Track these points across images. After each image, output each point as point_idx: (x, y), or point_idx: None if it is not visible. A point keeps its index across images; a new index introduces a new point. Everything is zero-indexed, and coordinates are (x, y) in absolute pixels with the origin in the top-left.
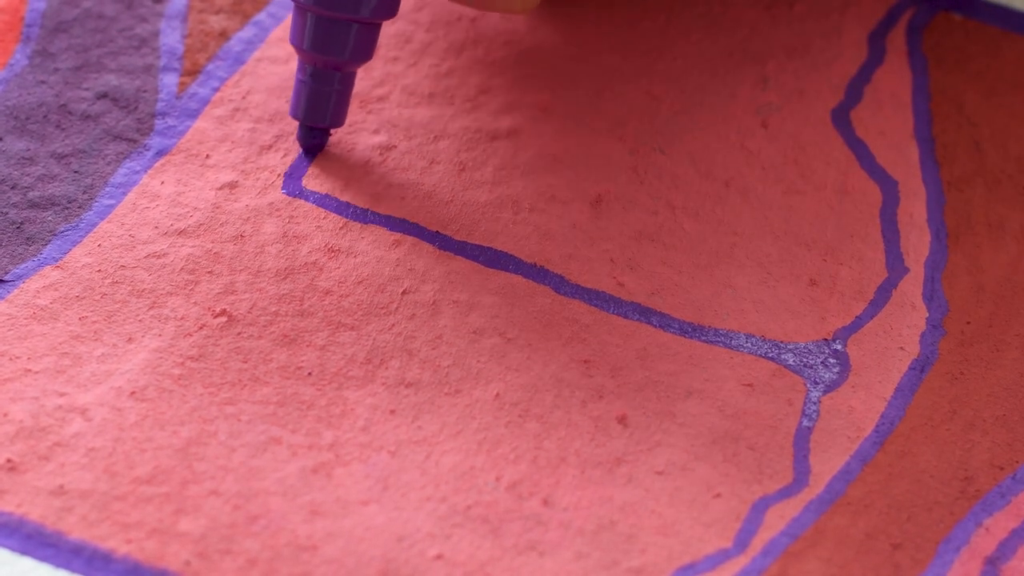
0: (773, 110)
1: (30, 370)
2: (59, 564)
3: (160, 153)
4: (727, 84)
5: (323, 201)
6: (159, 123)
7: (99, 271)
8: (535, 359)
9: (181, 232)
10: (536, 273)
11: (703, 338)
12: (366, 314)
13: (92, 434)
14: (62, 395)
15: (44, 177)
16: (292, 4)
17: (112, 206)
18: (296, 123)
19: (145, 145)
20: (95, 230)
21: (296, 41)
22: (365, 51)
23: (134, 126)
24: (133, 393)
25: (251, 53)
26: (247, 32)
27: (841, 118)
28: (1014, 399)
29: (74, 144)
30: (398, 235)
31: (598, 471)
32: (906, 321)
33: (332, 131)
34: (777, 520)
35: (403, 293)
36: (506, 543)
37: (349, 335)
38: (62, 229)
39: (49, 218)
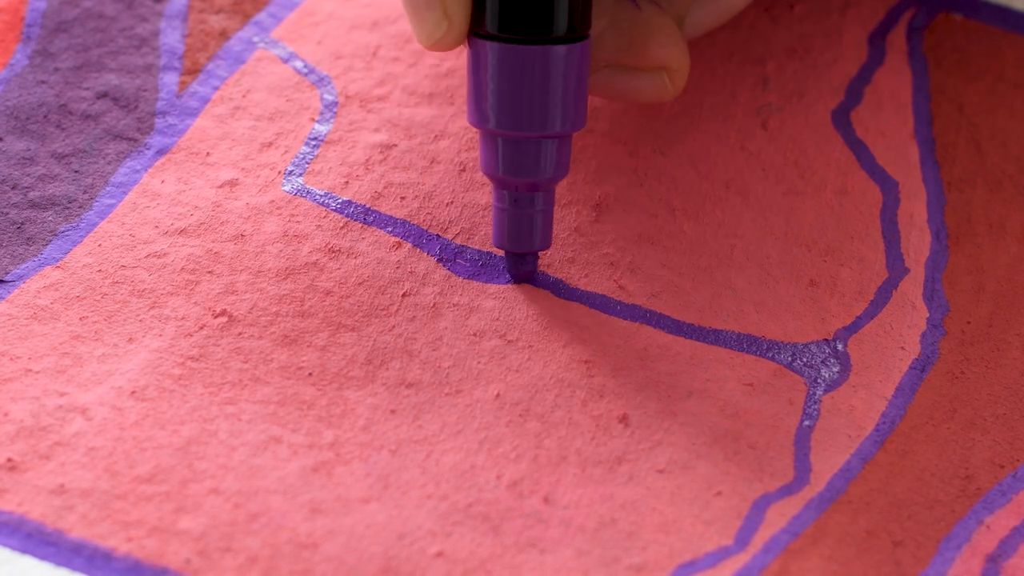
0: (773, 111)
1: (31, 370)
2: (60, 563)
3: (160, 152)
4: (727, 85)
5: (324, 199)
6: (159, 122)
7: (99, 271)
8: (535, 360)
9: (181, 231)
10: (536, 278)
11: (703, 339)
12: (367, 315)
13: (93, 433)
14: (63, 395)
15: (44, 177)
16: (480, 133)
17: (112, 205)
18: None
19: (145, 144)
20: (95, 230)
21: (490, 170)
22: (562, 165)
23: (134, 125)
24: (133, 393)
25: (251, 52)
26: (247, 31)
27: (841, 119)
28: (1014, 398)
29: (74, 144)
30: (398, 238)
31: (599, 470)
32: (907, 321)
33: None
34: (778, 518)
35: (404, 295)
36: (507, 541)
37: (350, 336)
38: (62, 229)
39: (49, 218)
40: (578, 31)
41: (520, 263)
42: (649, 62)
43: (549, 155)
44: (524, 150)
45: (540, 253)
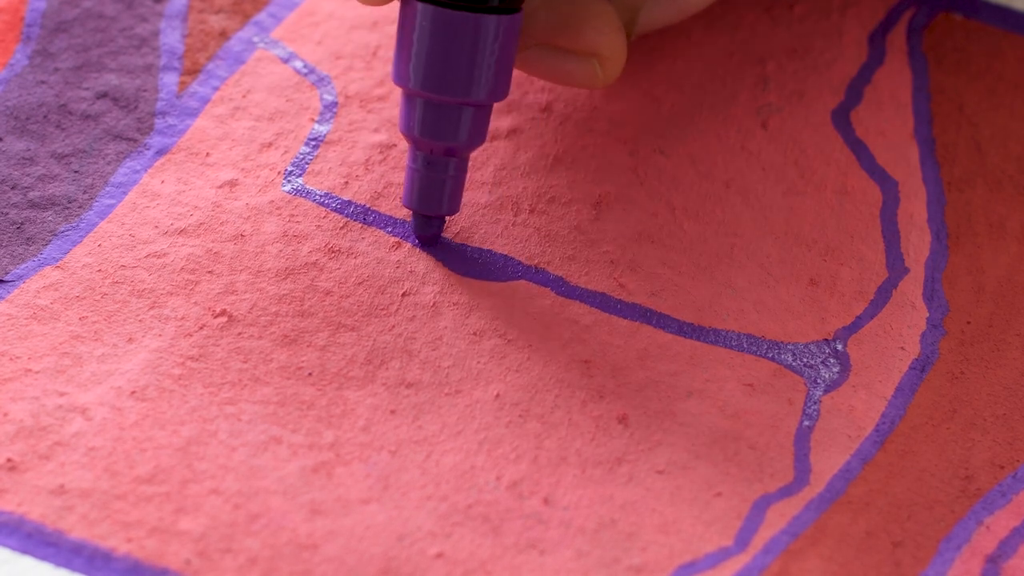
0: (773, 111)
1: (30, 370)
2: (59, 563)
3: (160, 152)
4: (727, 85)
5: (324, 199)
6: (159, 122)
7: (99, 271)
8: (535, 360)
9: (181, 231)
10: (536, 275)
11: (703, 338)
12: (366, 315)
13: (92, 433)
14: (62, 395)
15: (44, 177)
16: (401, 93)
17: (112, 206)
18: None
19: (145, 144)
20: (95, 230)
21: (406, 129)
22: (479, 134)
23: (134, 125)
24: (133, 393)
25: (251, 52)
26: (247, 31)
27: (841, 119)
28: (1014, 398)
29: (74, 144)
30: (398, 238)
31: (599, 470)
32: (906, 321)
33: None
34: (778, 518)
35: (403, 295)
36: (506, 541)
37: (349, 336)
38: (62, 229)
39: (49, 218)
40: (511, 3)
41: (427, 225)
42: (581, 46)
43: (468, 122)
44: (444, 114)
45: (449, 218)
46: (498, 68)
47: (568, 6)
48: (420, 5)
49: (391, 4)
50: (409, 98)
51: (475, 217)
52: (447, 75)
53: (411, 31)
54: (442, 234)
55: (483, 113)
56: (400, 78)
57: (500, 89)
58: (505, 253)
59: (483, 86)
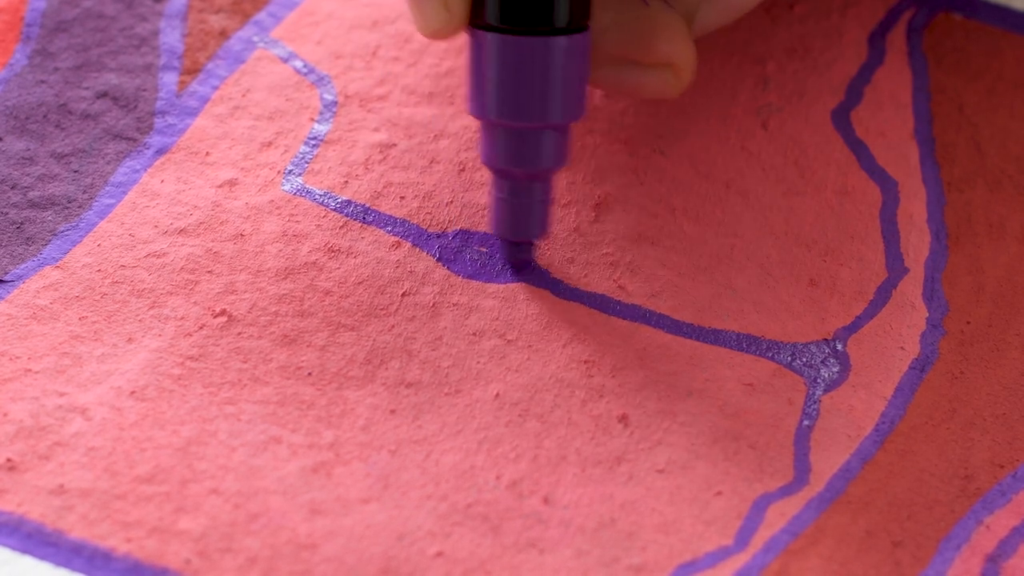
0: (773, 111)
1: (30, 370)
2: (59, 563)
3: (160, 152)
4: (727, 85)
5: (323, 199)
6: (159, 122)
7: (99, 271)
8: (535, 360)
9: (181, 231)
10: (536, 276)
11: (703, 338)
12: (366, 315)
13: (92, 433)
14: (62, 395)
15: (44, 177)
16: (480, 124)
17: (112, 205)
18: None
19: (145, 144)
20: (95, 230)
21: (490, 161)
22: (562, 155)
23: (134, 125)
24: (133, 393)
25: (251, 52)
26: (247, 31)
27: (841, 119)
28: (1014, 398)
29: (74, 143)
30: (398, 237)
31: (598, 469)
32: (906, 321)
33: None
34: (778, 518)
35: (403, 295)
36: (506, 541)
37: (349, 335)
38: (62, 229)
39: (49, 218)
40: (578, 22)
41: (518, 252)
42: (654, 58)
43: (549, 145)
44: (524, 140)
45: (537, 243)
46: (572, 87)
47: (637, 21)
48: (489, 35)
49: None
50: (489, 129)
51: (475, 218)
52: (523, 101)
53: (482, 61)
54: (440, 230)
55: (563, 134)
56: (478, 110)
57: (576, 108)
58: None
59: (560, 107)
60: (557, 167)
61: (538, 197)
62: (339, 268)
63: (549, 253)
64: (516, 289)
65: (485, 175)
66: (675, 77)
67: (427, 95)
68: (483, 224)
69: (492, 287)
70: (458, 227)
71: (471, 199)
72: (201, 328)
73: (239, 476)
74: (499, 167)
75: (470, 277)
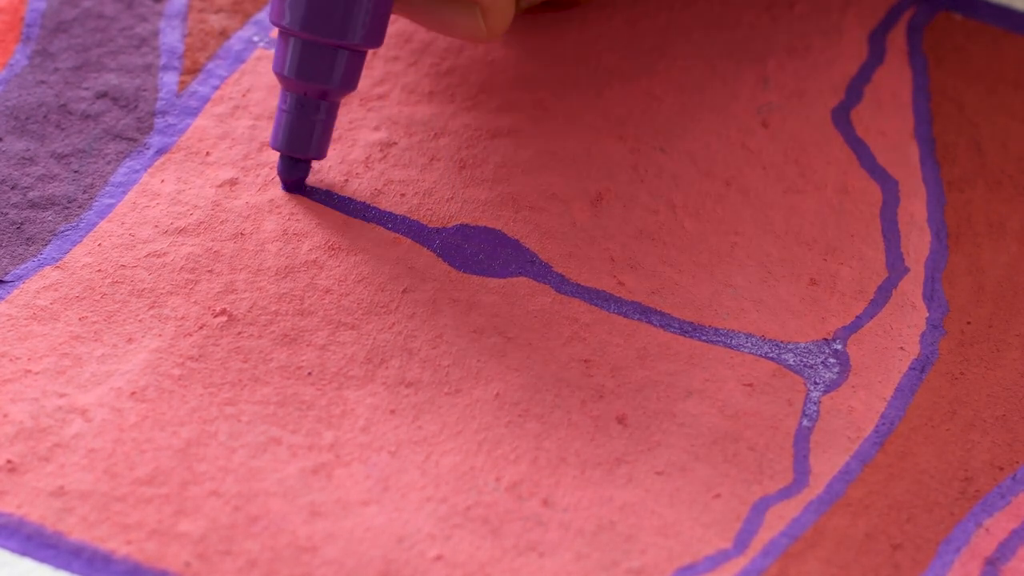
0: (773, 110)
1: (30, 371)
2: (59, 565)
3: (160, 151)
4: (727, 84)
5: (324, 197)
6: (159, 122)
7: (99, 271)
8: (535, 358)
9: (181, 231)
10: (536, 271)
11: (703, 337)
12: (366, 313)
13: (92, 435)
14: (62, 396)
15: (44, 177)
16: (278, 32)
17: (112, 205)
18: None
19: (145, 144)
20: (95, 230)
21: (279, 68)
22: (353, 79)
23: (134, 125)
24: (133, 394)
25: (251, 52)
26: (247, 31)
27: (841, 118)
28: (1014, 399)
29: (74, 144)
30: (398, 234)
31: (598, 471)
32: (906, 321)
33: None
34: (777, 521)
35: (403, 292)
36: (506, 544)
37: (349, 334)
38: (62, 229)
39: (49, 218)
40: None
41: (293, 169)
42: None
43: (340, 65)
44: (316, 55)
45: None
46: (373, 12)
47: None
48: None
49: None
50: (285, 38)
51: (476, 215)
52: (321, 15)
53: None
54: (441, 226)
55: (356, 58)
56: (277, 16)
57: (374, 34)
58: (516, 238)
59: (357, 29)
60: (344, 90)
61: (320, 117)
62: (339, 266)
63: (549, 248)
64: (517, 284)
65: (487, 172)
66: (483, 19)
67: (427, 94)
68: (484, 219)
69: (493, 282)
70: (459, 222)
71: (472, 195)
72: (201, 328)
73: (239, 478)
74: (286, 77)
75: (471, 272)
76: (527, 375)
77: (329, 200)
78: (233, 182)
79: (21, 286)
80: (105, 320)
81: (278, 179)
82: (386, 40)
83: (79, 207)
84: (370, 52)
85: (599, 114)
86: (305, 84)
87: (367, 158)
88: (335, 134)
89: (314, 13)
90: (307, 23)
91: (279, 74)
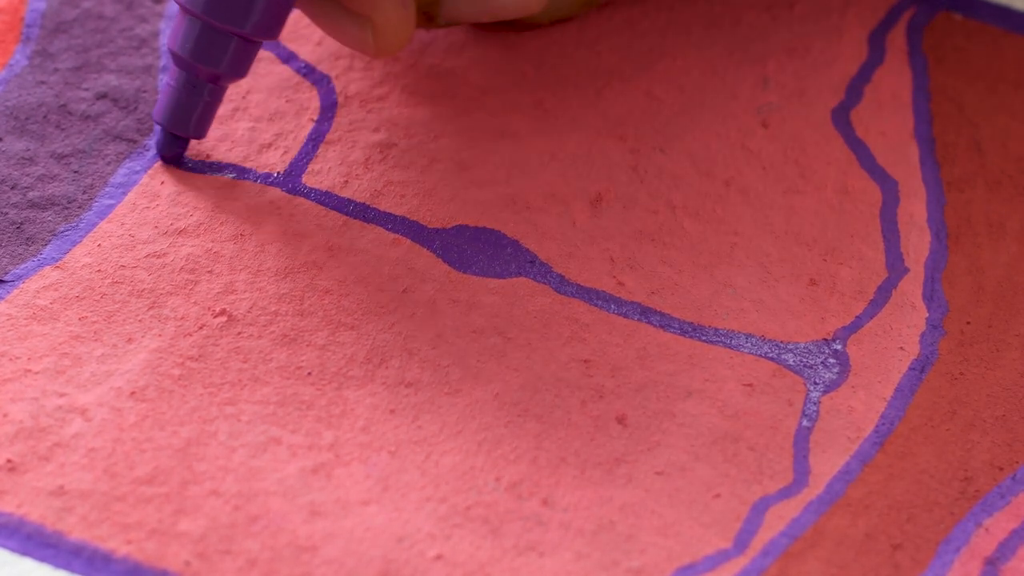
0: (773, 110)
1: (30, 370)
2: (59, 565)
3: None
4: (727, 84)
5: (323, 198)
6: None
7: (99, 271)
8: (535, 359)
9: (181, 231)
10: (536, 272)
11: (703, 338)
12: (366, 313)
13: (92, 434)
14: (62, 395)
15: (44, 177)
16: (177, 9)
17: (112, 206)
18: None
19: (145, 145)
20: (95, 230)
21: (174, 46)
22: (242, 66)
23: (134, 126)
24: (133, 393)
25: None
26: None
27: (841, 118)
28: (1014, 399)
29: (74, 144)
30: (398, 235)
31: (598, 471)
32: (906, 321)
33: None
34: (777, 520)
35: (403, 292)
36: (506, 543)
37: (349, 334)
38: (62, 229)
39: (49, 218)
40: None
41: (172, 144)
42: (357, 6)
43: (232, 52)
44: (209, 37)
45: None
46: (272, 6)
47: None
48: None
49: None
50: (183, 16)
51: (476, 215)
52: (225, 3)
53: None
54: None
55: (249, 46)
56: None
57: (269, 27)
58: (516, 239)
59: (254, 19)
60: (233, 76)
61: (206, 98)
62: (339, 267)
63: (550, 247)
64: (517, 284)
65: (487, 173)
66: (373, 36)
67: (427, 95)
68: (484, 219)
69: (493, 282)
70: (458, 223)
71: (472, 196)
72: (201, 328)
73: (239, 477)
74: (178, 54)
75: (471, 272)
76: (527, 375)
77: (329, 201)
78: (233, 183)
79: (21, 286)
80: (105, 320)
81: (278, 180)
82: None
83: (79, 207)
84: None
85: (599, 114)
86: (196, 65)
87: (367, 159)
88: (334, 135)
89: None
90: (207, 7)
91: (172, 51)
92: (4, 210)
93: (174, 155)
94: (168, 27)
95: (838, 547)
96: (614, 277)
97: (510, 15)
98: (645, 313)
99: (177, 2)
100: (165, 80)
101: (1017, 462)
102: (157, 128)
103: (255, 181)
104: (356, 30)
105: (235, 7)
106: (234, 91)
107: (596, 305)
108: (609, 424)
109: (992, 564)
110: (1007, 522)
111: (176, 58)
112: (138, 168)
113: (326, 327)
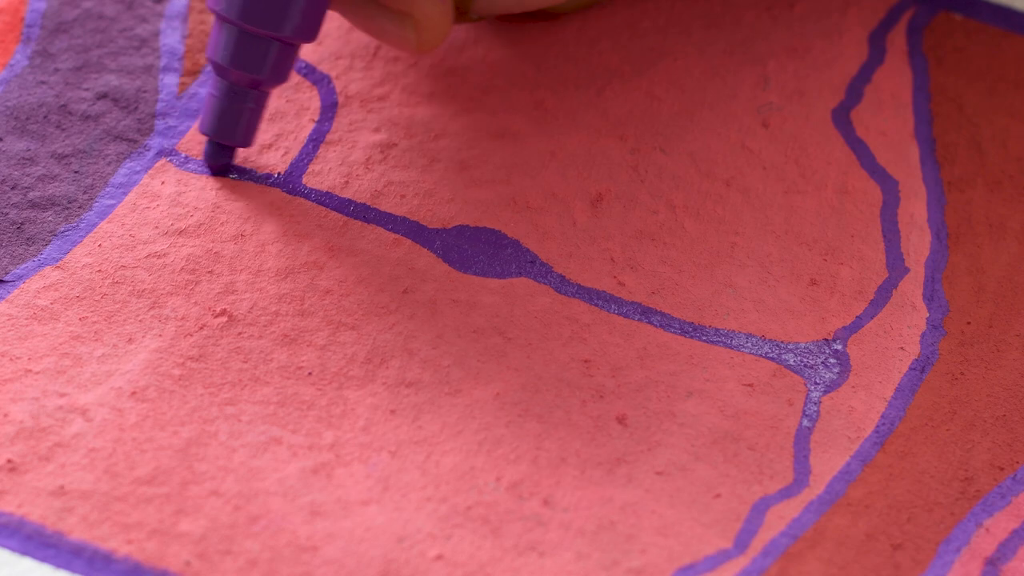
0: (774, 110)
1: (30, 370)
2: (60, 565)
3: (160, 153)
4: (727, 84)
5: (324, 199)
6: (159, 123)
7: (99, 271)
8: (535, 359)
9: (181, 232)
10: (536, 272)
11: (703, 338)
12: (366, 313)
13: (92, 434)
14: (62, 395)
15: (44, 177)
16: (214, 18)
17: (112, 206)
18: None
19: (145, 145)
20: (95, 230)
21: (214, 55)
22: (284, 71)
23: (134, 126)
24: (133, 393)
25: None
26: None
27: (842, 118)
28: (1014, 399)
29: (74, 144)
30: (398, 235)
31: (598, 471)
32: (906, 321)
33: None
34: (777, 520)
35: (403, 292)
36: (506, 544)
37: (349, 335)
38: (62, 229)
39: (49, 218)
40: None
41: (219, 154)
42: (397, 3)
43: (272, 57)
44: (249, 45)
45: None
46: (308, 7)
47: None
48: None
49: None
50: (220, 24)
51: (476, 215)
52: (261, 7)
53: None
54: (441, 226)
55: (289, 51)
56: (214, 3)
57: (309, 29)
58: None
59: (292, 23)
60: (275, 82)
61: (250, 105)
62: (339, 267)
63: (550, 247)
64: (517, 284)
65: (487, 172)
66: (415, 32)
67: (427, 95)
68: (485, 219)
69: (493, 283)
70: (459, 223)
71: (472, 196)
72: (201, 328)
73: (239, 477)
74: (219, 64)
75: (471, 272)
76: (527, 375)
77: (329, 201)
78: (233, 184)
79: (21, 286)
80: (105, 320)
81: (278, 180)
82: None
83: (79, 207)
84: (370, 53)
85: (599, 114)
86: (237, 72)
87: (367, 159)
88: (335, 136)
89: (251, 3)
90: (244, 13)
91: (212, 60)
92: (4, 210)
93: (222, 165)
94: (168, 27)
95: (838, 547)
96: (614, 277)
97: (543, 3)
98: (645, 313)
99: (213, 11)
100: (207, 91)
101: (1017, 462)
102: (205, 141)
103: (256, 182)
104: (396, 28)
105: (272, 12)
106: None
107: (596, 305)
108: (609, 424)
109: (993, 564)
110: (1007, 522)
111: (217, 67)
112: (138, 168)
113: (326, 327)
